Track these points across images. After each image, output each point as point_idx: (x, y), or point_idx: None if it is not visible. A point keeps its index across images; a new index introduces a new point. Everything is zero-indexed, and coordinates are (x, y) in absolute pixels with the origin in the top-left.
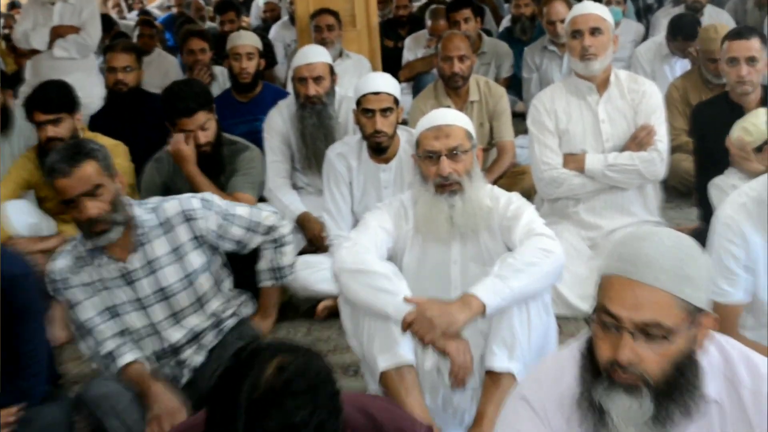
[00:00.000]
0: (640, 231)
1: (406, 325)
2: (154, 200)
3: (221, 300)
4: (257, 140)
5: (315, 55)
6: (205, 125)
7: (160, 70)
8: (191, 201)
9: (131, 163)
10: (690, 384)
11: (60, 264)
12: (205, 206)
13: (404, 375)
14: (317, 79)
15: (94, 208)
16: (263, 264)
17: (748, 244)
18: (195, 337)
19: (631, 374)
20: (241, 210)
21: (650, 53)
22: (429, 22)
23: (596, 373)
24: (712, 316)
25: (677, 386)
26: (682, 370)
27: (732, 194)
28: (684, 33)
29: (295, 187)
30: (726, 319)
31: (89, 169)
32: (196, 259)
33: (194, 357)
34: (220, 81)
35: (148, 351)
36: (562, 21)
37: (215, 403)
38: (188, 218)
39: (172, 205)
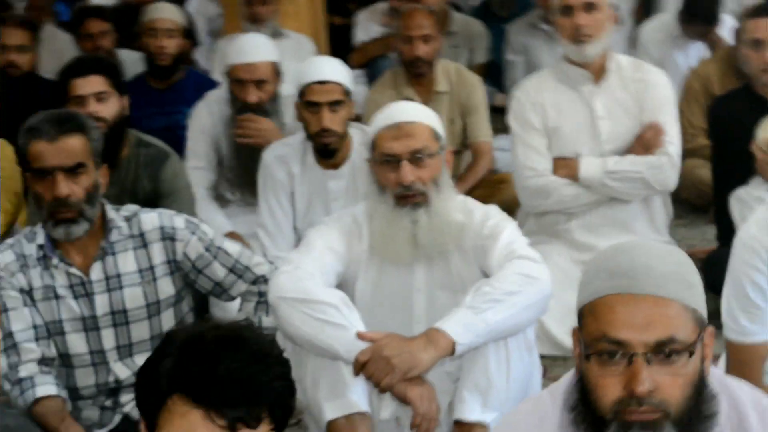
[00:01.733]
0: (620, 245)
1: (360, 367)
2: (130, 208)
3: None
4: (176, 138)
5: (257, 51)
6: (102, 95)
7: (52, 52)
8: (173, 218)
9: (19, 165)
10: (709, 410)
11: None
12: (189, 228)
13: (356, 426)
14: (260, 83)
15: (67, 187)
16: (239, 318)
17: None
18: None
19: (650, 407)
20: (230, 246)
21: (659, 35)
22: None
23: (598, 424)
24: (711, 330)
25: (698, 414)
26: (701, 393)
27: (757, 209)
28: (702, 15)
29: (222, 199)
30: (748, 363)
31: (78, 143)
32: (165, 287)
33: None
34: (128, 68)
35: (89, 382)
36: None
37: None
38: (166, 237)
39: (150, 218)
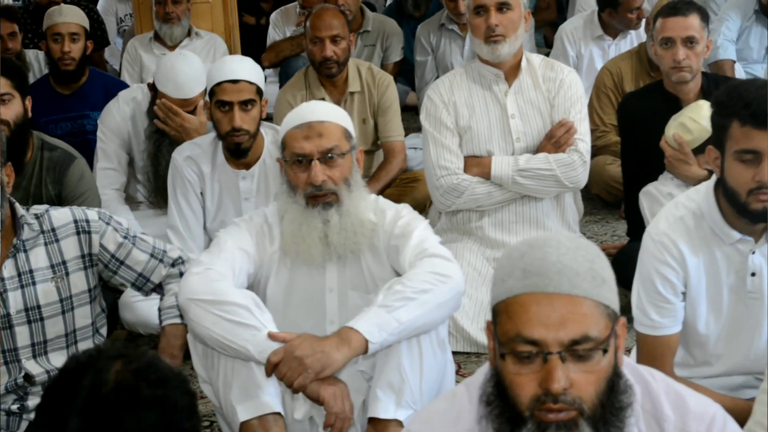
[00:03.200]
0: (532, 241)
1: (272, 367)
2: (39, 207)
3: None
4: (84, 143)
5: (192, 87)
6: (4, 98)
7: None
8: (86, 212)
9: None
10: (623, 401)
11: None
12: (103, 219)
13: (270, 427)
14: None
15: None
16: (168, 300)
17: (686, 266)
18: None
19: (565, 405)
20: (144, 235)
21: (578, 32)
22: None
23: (515, 421)
24: (623, 321)
25: (612, 407)
26: (614, 386)
27: (667, 205)
28: None
29: (132, 201)
30: (659, 356)
31: None
32: (78, 282)
33: None
34: (35, 69)
35: None
36: None
37: (45, 408)
38: (81, 230)
39: (62, 213)
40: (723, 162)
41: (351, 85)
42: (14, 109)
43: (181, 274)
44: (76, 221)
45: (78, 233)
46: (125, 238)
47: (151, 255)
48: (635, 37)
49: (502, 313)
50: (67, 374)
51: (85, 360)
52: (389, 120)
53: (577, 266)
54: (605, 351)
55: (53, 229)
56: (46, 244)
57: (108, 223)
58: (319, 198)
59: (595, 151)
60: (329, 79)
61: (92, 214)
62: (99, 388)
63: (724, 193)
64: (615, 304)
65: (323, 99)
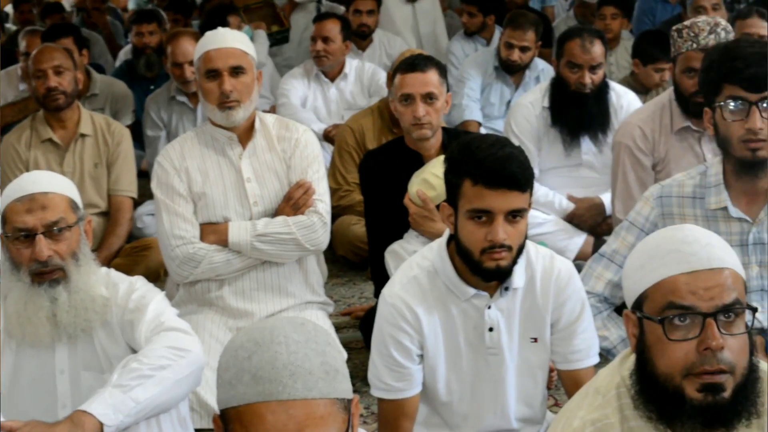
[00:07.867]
0: (258, 335)
1: None
2: None
3: None
4: None
5: None
6: None
7: None
8: None
9: None
10: None
11: None
12: None
13: None
14: None
15: None
16: None
17: (421, 328)
18: None
19: None
20: None
21: (296, 79)
22: (23, 44)
23: None
24: (357, 399)
25: None
26: None
27: (402, 266)
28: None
29: None
30: (394, 420)
31: None
32: None
33: None
34: None
35: None
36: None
37: None
38: None
39: None
40: (456, 220)
41: (83, 127)
42: None
43: None
44: None
45: None
46: None
47: None
48: (355, 78)
49: (234, 421)
50: None
51: None
52: (122, 172)
53: (309, 365)
54: None
55: None
56: None
57: None
58: (45, 275)
59: (340, 211)
60: (56, 113)
61: None
62: None
63: (458, 250)
64: (348, 390)
65: (50, 140)
